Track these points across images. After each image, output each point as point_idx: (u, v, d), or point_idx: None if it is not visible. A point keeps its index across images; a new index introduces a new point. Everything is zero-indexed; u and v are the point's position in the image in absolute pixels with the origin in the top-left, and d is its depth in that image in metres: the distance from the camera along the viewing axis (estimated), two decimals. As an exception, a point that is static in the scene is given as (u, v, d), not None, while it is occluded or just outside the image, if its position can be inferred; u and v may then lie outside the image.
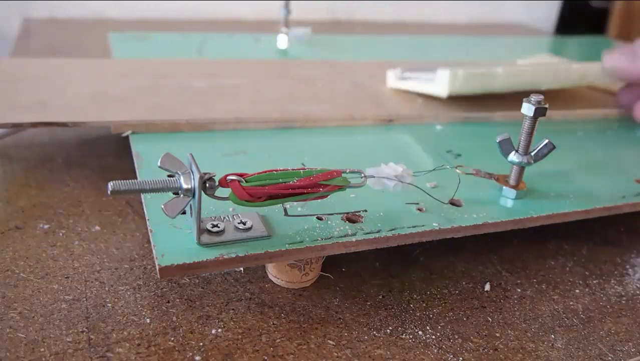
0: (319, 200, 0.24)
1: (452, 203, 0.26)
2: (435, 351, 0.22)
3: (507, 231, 0.26)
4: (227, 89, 0.38)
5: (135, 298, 0.23)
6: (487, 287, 0.26)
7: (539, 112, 0.26)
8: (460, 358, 0.22)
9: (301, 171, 0.23)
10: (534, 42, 0.69)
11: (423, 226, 0.24)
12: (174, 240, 0.22)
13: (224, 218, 0.23)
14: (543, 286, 0.26)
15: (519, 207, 0.27)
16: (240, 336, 0.22)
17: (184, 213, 0.22)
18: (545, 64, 0.39)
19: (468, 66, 0.41)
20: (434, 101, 0.39)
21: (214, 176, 0.21)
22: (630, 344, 0.23)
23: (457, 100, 0.39)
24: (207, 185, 0.21)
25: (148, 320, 0.22)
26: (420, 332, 0.23)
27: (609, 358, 0.22)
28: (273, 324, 0.22)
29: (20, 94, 0.33)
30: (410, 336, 0.22)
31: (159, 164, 0.21)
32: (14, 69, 0.38)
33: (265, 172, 0.22)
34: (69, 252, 0.25)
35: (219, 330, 0.22)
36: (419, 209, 0.26)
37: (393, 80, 0.41)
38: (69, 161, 0.33)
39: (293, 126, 0.34)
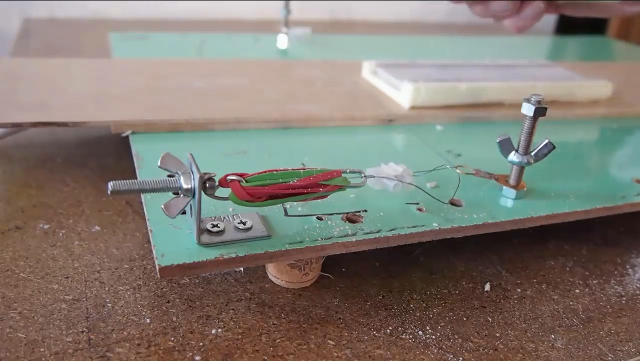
0: (319, 200, 0.24)
1: (452, 203, 0.26)
2: (435, 351, 0.22)
3: (507, 231, 0.26)
4: (227, 89, 0.38)
5: (135, 298, 0.23)
6: (487, 287, 0.26)
7: (539, 112, 0.26)
8: (460, 358, 0.22)
9: (301, 171, 0.23)
10: (534, 42, 0.69)
11: (423, 226, 0.24)
12: (174, 240, 0.22)
13: (224, 218, 0.23)
14: (543, 286, 0.26)
15: (519, 207, 0.27)
16: (240, 336, 0.22)
17: (184, 213, 0.22)
18: (509, 81, 0.40)
19: (444, 68, 0.41)
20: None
21: (214, 176, 0.21)
22: (630, 344, 0.23)
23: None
24: (207, 185, 0.21)
25: (148, 320, 0.22)
26: (420, 332, 0.23)
27: (609, 358, 0.22)
28: (273, 324, 0.22)
29: (20, 94, 0.33)
30: (410, 336, 0.22)
31: (159, 164, 0.21)
32: (14, 69, 0.38)
33: (265, 172, 0.22)
34: (69, 252, 0.25)
35: (219, 330, 0.22)
36: (419, 209, 0.26)
37: (367, 72, 0.43)
38: (69, 161, 0.33)
39: (293, 126, 0.34)
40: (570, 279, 0.27)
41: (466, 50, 0.61)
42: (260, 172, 0.22)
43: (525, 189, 0.28)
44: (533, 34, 0.79)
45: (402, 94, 0.38)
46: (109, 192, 0.20)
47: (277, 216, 0.24)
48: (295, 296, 0.24)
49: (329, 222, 0.24)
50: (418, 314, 0.24)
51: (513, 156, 0.27)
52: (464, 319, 0.24)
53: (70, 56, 0.50)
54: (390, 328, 0.23)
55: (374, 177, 0.25)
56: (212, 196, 0.22)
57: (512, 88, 0.40)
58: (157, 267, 0.20)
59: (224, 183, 0.22)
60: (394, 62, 0.43)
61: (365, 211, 0.25)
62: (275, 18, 0.56)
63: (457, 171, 0.27)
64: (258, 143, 0.31)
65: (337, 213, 0.24)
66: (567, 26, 0.89)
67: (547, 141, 0.26)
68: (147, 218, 0.23)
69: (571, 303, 0.26)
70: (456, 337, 0.23)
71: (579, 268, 0.28)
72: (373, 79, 0.42)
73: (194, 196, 0.21)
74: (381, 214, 0.25)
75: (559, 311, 0.25)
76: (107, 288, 0.23)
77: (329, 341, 0.22)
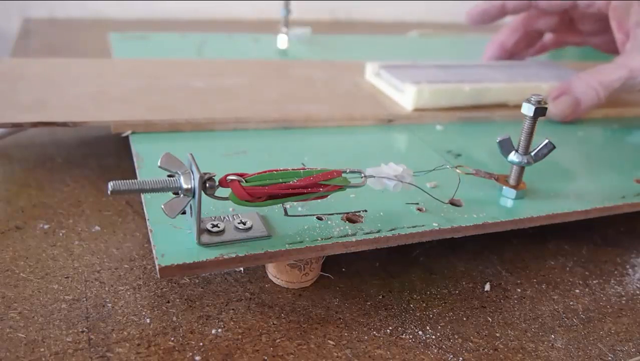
0: (319, 200, 0.24)
1: (452, 203, 0.26)
2: (435, 351, 0.22)
3: (507, 231, 0.26)
4: (227, 89, 0.38)
5: (135, 298, 0.23)
6: (487, 287, 0.26)
7: (539, 112, 0.26)
8: (460, 358, 0.22)
9: (301, 171, 0.23)
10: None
11: (423, 226, 0.24)
12: (174, 240, 0.22)
13: (224, 218, 0.23)
14: (543, 286, 0.26)
15: (519, 207, 0.27)
16: (240, 336, 0.22)
17: (184, 213, 0.22)
18: (513, 82, 0.40)
19: (447, 69, 0.41)
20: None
21: (214, 176, 0.21)
22: (630, 344, 0.23)
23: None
24: (207, 185, 0.21)
25: (148, 320, 0.22)
26: (420, 332, 0.23)
27: (609, 358, 0.22)
28: (273, 324, 0.22)
29: (20, 94, 0.33)
30: (410, 336, 0.22)
31: (159, 164, 0.21)
32: (14, 69, 0.38)
33: (265, 172, 0.22)
34: (69, 252, 0.25)
35: (219, 330, 0.22)
36: (419, 209, 0.26)
37: (370, 73, 0.43)
38: (69, 161, 0.33)
39: (293, 126, 0.34)
40: (570, 279, 0.27)
41: (467, 50, 0.61)
42: (260, 172, 0.22)
43: (525, 189, 0.28)
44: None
45: (405, 96, 0.37)
46: (108, 192, 0.20)
47: (277, 216, 0.24)
48: (295, 296, 0.24)
49: (329, 222, 0.24)
50: (418, 314, 0.24)
51: (513, 156, 0.27)
52: (464, 319, 0.24)
53: (70, 56, 0.50)
54: (390, 328, 0.23)
55: (374, 177, 0.25)
56: (212, 196, 0.22)
57: (517, 89, 0.40)
58: (157, 267, 0.20)
59: (224, 183, 0.22)
60: (397, 63, 0.42)
61: (365, 211, 0.25)
62: (275, 18, 0.55)
63: (457, 171, 0.27)
64: (258, 143, 0.31)
65: (337, 213, 0.24)
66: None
67: (547, 141, 0.26)
68: (147, 218, 0.23)
69: (571, 303, 0.26)
70: (456, 337, 0.23)
71: (579, 268, 0.28)
72: (376, 81, 0.42)
73: (194, 196, 0.21)
74: (381, 214, 0.25)
75: (559, 311, 0.25)
76: (107, 288, 0.23)
77: (329, 341, 0.22)
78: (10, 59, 0.42)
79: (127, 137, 0.31)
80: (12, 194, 0.29)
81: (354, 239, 0.23)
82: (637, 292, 0.27)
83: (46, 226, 0.27)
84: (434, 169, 0.28)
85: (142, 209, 0.26)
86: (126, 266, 0.25)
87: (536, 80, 0.41)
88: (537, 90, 0.40)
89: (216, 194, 0.22)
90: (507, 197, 0.27)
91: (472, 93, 0.38)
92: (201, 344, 0.21)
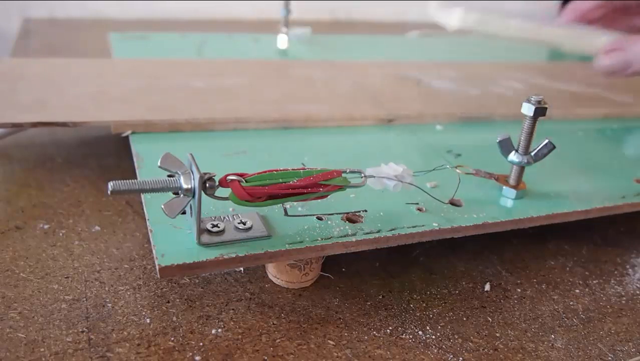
0: (319, 200, 0.24)
1: (452, 203, 0.26)
2: (435, 351, 0.22)
3: (507, 231, 0.26)
4: (227, 89, 0.38)
5: (135, 298, 0.23)
6: (487, 287, 0.26)
7: (539, 112, 0.26)
8: (460, 358, 0.22)
9: (301, 171, 0.23)
10: (534, 42, 0.69)
11: (423, 226, 0.24)
12: (174, 240, 0.22)
13: (224, 218, 0.23)
14: (543, 286, 0.26)
15: (519, 207, 0.27)
16: (240, 336, 0.22)
17: (184, 213, 0.22)
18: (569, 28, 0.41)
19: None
20: (434, 101, 0.39)
21: (214, 176, 0.21)
22: (630, 344, 0.23)
23: (457, 100, 0.39)
24: (207, 185, 0.21)
25: (148, 320, 0.22)
26: (420, 332, 0.23)
27: (609, 358, 0.22)
28: (273, 324, 0.22)
29: (20, 94, 0.33)
30: (410, 336, 0.22)
31: (159, 164, 0.21)
32: (14, 69, 0.38)
33: (265, 172, 0.22)
34: (69, 252, 0.25)
35: (219, 330, 0.22)
36: (419, 209, 0.26)
37: (433, 7, 0.44)
38: (69, 161, 0.33)
39: (293, 126, 0.34)
40: (570, 279, 0.27)
41: (467, 50, 0.61)
42: (260, 172, 0.22)
43: (525, 189, 0.28)
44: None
45: (452, 18, 0.39)
46: (108, 192, 0.20)
47: (277, 216, 0.24)
48: (295, 296, 0.24)
49: (329, 222, 0.24)
50: (418, 314, 0.24)
51: (513, 156, 0.27)
52: (464, 319, 0.24)
53: (70, 56, 0.50)
54: (390, 328, 0.23)
55: (374, 177, 0.25)
56: (212, 196, 0.22)
57: (572, 33, 0.40)
58: (157, 267, 0.20)
59: (224, 183, 0.22)
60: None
61: (365, 211, 0.25)
62: (275, 18, 0.55)
63: (457, 171, 0.27)
64: (258, 143, 0.31)
65: (337, 213, 0.24)
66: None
67: (547, 141, 0.26)
68: (147, 218, 0.23)
69: (571, 303, 0.26)
70: (456, 337, 0.23)
71: (579, 268, 0.28)
72: (434, 13, 0.43)
73: (194, 196, 0.21)
74: (381, 214, 0.25)
75: (559, 311, 0.25)
76: (107, 288, 0.23)
77: (329, 341, 0.22)
78: (10, 59, 0.42)
79: (127, 137, 0.31)
80: (12, 194, 0.29)
81: (354, 239, 0.23)
82: (637, 292, 0.27)
83: (46, 226, 0.27)
84: (434, 169, 0.27)
85: (142, 209, 0.26)
86: (126, 266, 0.25)
87: (599, 34, 0.41)
88: (594, 39, 0.39)
89: (216, 194, 0.22)
90: (507, 197, 0.27)
91: (521, 28, 0.39)
92: (201, 344, 0.21)
